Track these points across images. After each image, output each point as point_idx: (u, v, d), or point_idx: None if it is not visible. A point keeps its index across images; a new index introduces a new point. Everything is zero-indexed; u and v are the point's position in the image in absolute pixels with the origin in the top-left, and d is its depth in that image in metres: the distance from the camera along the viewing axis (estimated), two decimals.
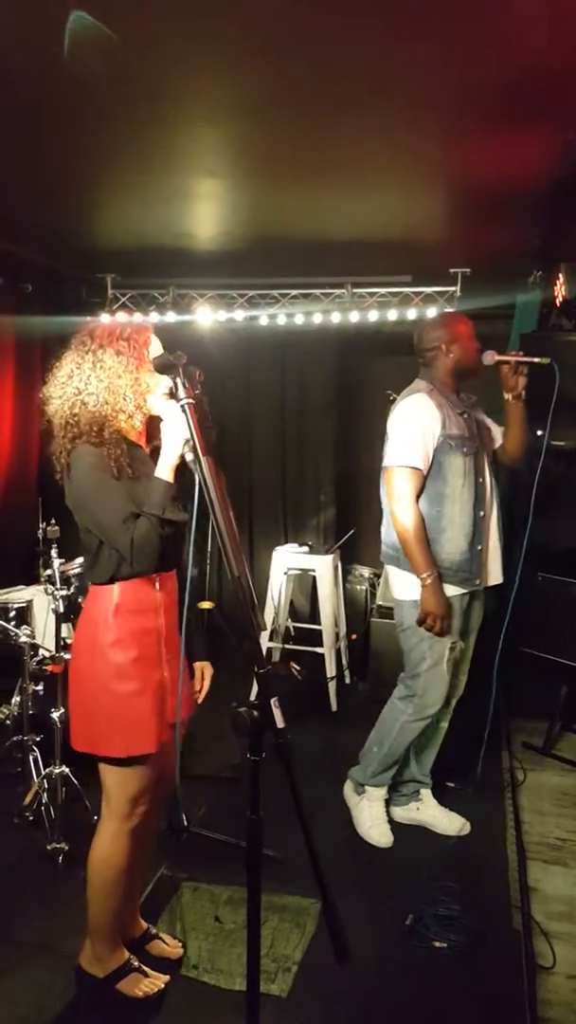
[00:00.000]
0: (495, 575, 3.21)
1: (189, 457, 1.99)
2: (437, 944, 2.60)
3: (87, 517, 2.14)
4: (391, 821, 3.28)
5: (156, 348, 2.19)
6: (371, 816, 3.19)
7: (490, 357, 3.16)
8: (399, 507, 3.01)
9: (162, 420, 2.11)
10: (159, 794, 2.38)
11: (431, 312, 4.92)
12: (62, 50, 2.09)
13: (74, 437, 2.11)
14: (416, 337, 3.24)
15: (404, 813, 3.38)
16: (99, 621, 2.17)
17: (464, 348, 3.14)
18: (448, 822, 3.31)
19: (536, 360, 3.14)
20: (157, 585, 2.21)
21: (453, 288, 4.83)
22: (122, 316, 5.15)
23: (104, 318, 5.21)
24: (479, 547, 3.09)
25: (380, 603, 4.81)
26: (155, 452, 2.21)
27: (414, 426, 3.03)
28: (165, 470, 2.08)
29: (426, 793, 3.38)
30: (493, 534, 3.19)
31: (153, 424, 2.23)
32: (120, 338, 2.14)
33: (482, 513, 3.10)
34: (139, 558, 2.07)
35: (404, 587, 3.13)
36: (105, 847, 2.26)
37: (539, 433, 4.73)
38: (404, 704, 3.15)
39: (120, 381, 2.11)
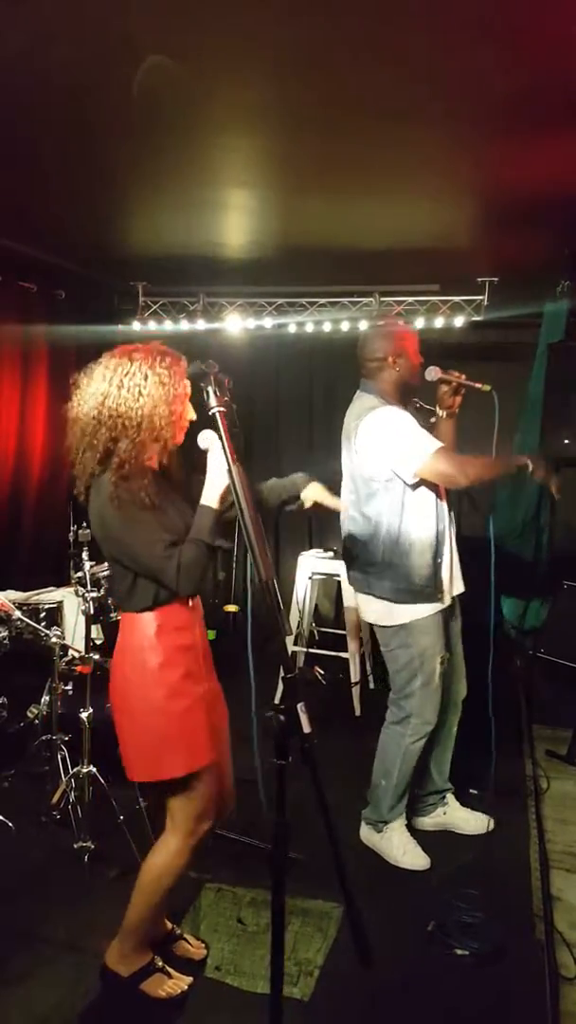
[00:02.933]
0: (458, 585, 3.17)
1: (224, 466, 2.05)
2: (459, 952, 2.60)
3: (118, 551, 2.13)
4: (418, 831, 3.28)
5: (186, 380, 2.19)
6: (400, 844, 3.14)
7: (433, 373, 3.10)
8: (464, 473, 2.88)
9: (203, 449, 2.14)
10: (221, 808, 2.40)
11: (458, 321, 4.94)
12: (114, 71, 2.14)
13: (100, 461, 2.11)
14: (360, 345, 3.14)
15: (431, 820, 3.38)
16: (144, 646, 2.17)
17: (409, 363, 3.08)
18: (475, 822, 3.32)
19: (478, 386, 3.07)
20: (190, 602, 2.25)
21: (480, 297, 4.84)
22: (153, 326, 5.22)
23: (136, 326, 5.29)
24: (439, 560, 3.03)
25: None
26: (169, 476, 2.26)
27: (408, 425, 2.94)
28: (213, 499, 2.12)
29: (450, 797, 3.39)
30: (453, 546, 3.14)
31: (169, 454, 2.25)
32: (162, 367, 2.13)
33: (443, 526, 3.05)
34: (185, 584, 2.08)
35: (378, 613, 3.10)
36: (164, 861, 2.27)
37: (566, 442, 4.74)
38: (402, 727, 3.11)
39: (159, 410, 2.11)
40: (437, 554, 3.03)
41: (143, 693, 2.18)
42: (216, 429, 1.97)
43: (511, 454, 3.20)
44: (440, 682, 3.09)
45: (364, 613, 3.22)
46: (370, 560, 3.06)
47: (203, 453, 2.16)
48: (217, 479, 2.12)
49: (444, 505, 3.08)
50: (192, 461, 2.26)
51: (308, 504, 2.43)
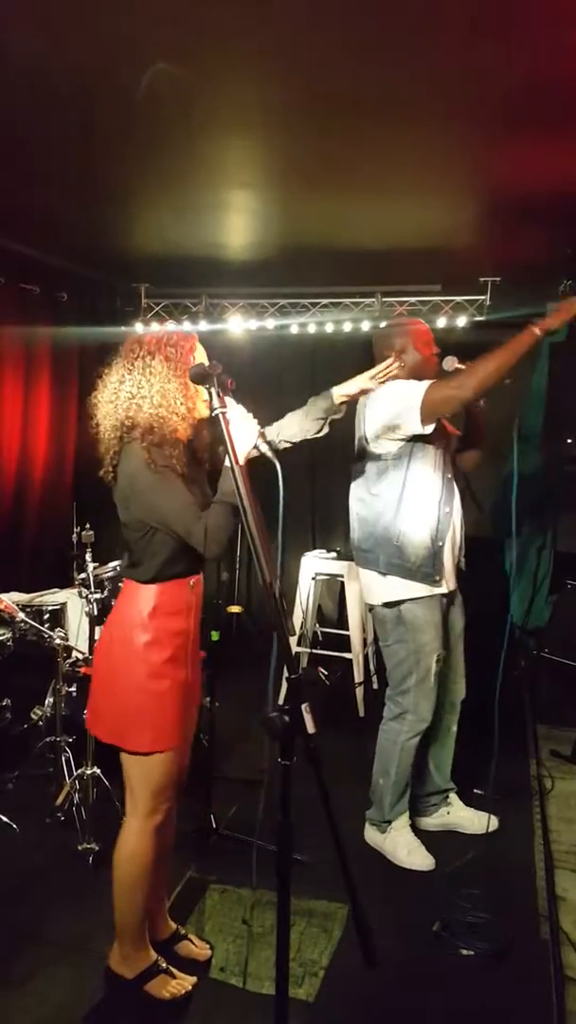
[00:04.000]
0: (452, 581, 3.17)
1: (264, 448, 2.13)
2: (464, 952, 2.60)
3: (149, 512, 2.17)
4: (422, 831, 3.28)
5: (202, 355, 2.25)
6: (405, 844, 3.15)
7: (451, 363, 3.09)
8: (463, 385, 2.83)
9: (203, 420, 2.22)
10: (179, 791, 2.42)
11: (461, 321, 4.94)
12: (117, 73, 2.15)
13: (121, 439, 2.19)
14: (373, 346, 3.22)
15: (434, 820, 3.38)
16: (135, 623, 2.22)
17: (416, 355, 3.12)
18: (478, 821, 3.32)
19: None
20: (191, 585, 2.27)
21: (483, 297, 4.84)
22: (162, 325, 5.23)
23: (138, 327, 5.30)
24: (440, 544, 3.05)
25: None
26: (195, 453, 2.30)
27: (402, 383, 2.97)
28: (238, 459, 2.11)
29: (453, 796, 3.40)
30: (457, 537, 3.16)
31: (194, 428, 2.29)
32: (168, 345, 2.21)
33: (447, 510, 3.08)
34: (212, 545, 2.10)
35: (380, 590, 3.12)
36: (130, 844, 2.30)
37: (569, 441, 4.74)
38: (398, 724, 3.13)
39: (170, 385, 2.17)
40: (438, 537, 3.05)
41: (125, 667, 2.23)
42: (219, 430, 1.99)
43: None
44: (436, 680, 3.09)
45: (365, 593, 3.25)
46: (371, 534, 3.12)
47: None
48: (241, 444, 2.11)
49: (452, 495, 3.12)
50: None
51: (340, 401, 2.52)
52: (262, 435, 2.17)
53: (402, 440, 3.03)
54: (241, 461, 2.10)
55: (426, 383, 2.93)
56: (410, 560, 3.04)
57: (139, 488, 2.16)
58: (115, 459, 2.21)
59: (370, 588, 3.19)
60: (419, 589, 3.06)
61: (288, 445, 2.54)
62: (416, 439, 3.01)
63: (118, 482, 2.22)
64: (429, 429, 2.94)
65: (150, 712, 2.22)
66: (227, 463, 2.13)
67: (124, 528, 2.25)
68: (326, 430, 2.56)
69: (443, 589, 3.10)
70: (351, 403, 2.62)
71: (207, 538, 2.08)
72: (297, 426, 2.54)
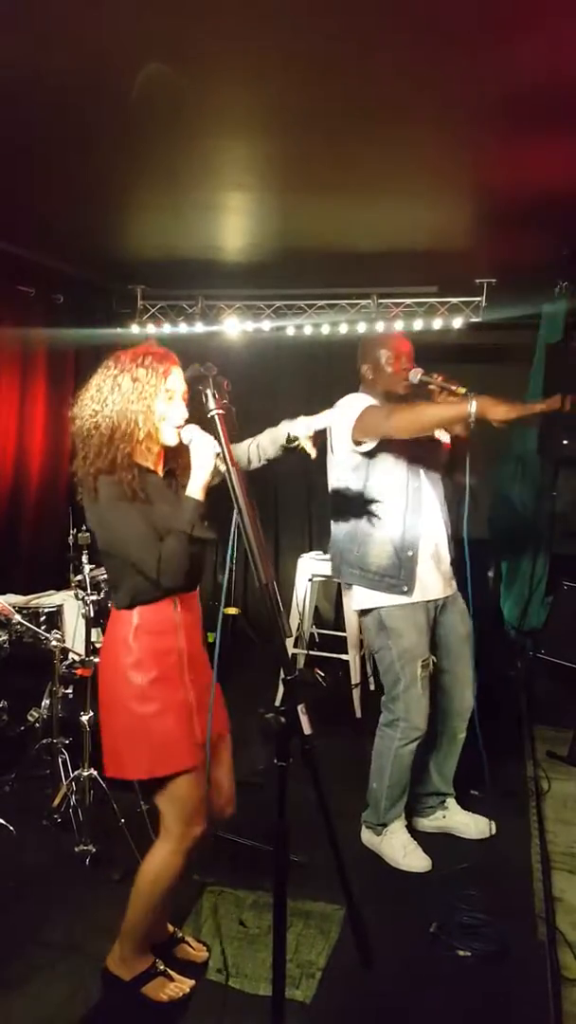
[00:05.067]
0: (436, 589, 3.13)
1: (223, 468, 2.07)
2: (461, 953, 2.60)
3: (109, 544, 2.18)
4: (417, 832, 3.28)
5: (176, 379, 2.20)
6: (401, 845, 3.14)
7: (416, 375, 3.11)
8: (388, 422, 2.87)
9: (184, 445, 2.19)
10: (224, 816, 2.41)
11: (457, 322, 4.95)
12: (112, 75, 2.15)
13: (91, 461, 2.15)
14: (359, 352, 3.25)
15: (430, 822, 3.37)
16: (120, 644, 2.20)
17: (385, 371, 3.13)
18: (475, 826, 3.31)
19: (453, 388, 3.01)
20: (177, 606, 2.24)
21: (479, 298, 4.85)
22: (159, 328, 5.24)
23: (134, 329, 5.31)
24: (409, 553, 3.05)
25: None
26: (167, 475, 2.28)
27: (358, 400, 3.04)
28: (196, 489, 2.13)
29: (451, 801, 3.38)
30: (439, 546, 3.14)
31: (168, 451, 2.28)
32: (140, 366, 2.17)
33: (415, 520, 3.07)
34: (167, 575, 2.10)
35: (353, 598, 3.19)
36: (158, 865, 2.27)
37: (565, 443, 4.75)
38: (392, 729, 3.12)
39: (133, 407, 2.14)
40: (404, 547, 3.04)
41: (113, 690, 2.22)
42: (215, 431, 1.99)
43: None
44: (425, 687, 3.07)
45: (350, 602, 3.30)
46: (338, 547, 3.19)
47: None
48: (200, 471, 2.13)
49: (426, 503, 3.10)
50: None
51: (308, 439, 2.46)
52: (219, 456, 2.11)
53: (358, 452, 3.04)
54: (206, 480, 2.12)
55: (366, 405, 2.98)
56: (371, 570, 3.06)
57: (98, 521, 2.17)
58: (92, 484, 2.17)
59: (350, 597, 3.24)
60: (385, 598, 3.06)
61: (266, 462, 2.52)
62: (376, 449, 3.02)
63: (88, 512, 2.21)
64: (364, 449, 2.98)
65: (141, 736, 2.18)
66: (187, 492, 2.14)
67: (101, 555, 2.25)
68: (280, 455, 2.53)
69: (415, 599, 3.07)
70: (327, 395, 2.63)
71: (159, 568, 2.08)
72: (245, 455, 2.50)
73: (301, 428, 2.46)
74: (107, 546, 2.19)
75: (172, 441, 2.21)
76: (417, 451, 3.10)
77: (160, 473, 2.29)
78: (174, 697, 2.21)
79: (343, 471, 3.12)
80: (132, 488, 2.12)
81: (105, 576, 3.83)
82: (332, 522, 3.24)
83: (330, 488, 3.22)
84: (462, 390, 3.02)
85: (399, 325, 4.96)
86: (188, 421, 2.21)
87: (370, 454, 3.03)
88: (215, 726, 2.27)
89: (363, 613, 3.17)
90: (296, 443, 2.46)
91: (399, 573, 3.05)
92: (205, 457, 2.11)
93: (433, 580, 3.12)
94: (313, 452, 2.45)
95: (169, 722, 2.19)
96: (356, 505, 3.08)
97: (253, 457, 2.50)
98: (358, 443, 3.02)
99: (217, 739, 2.34)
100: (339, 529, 3.18)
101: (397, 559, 3.04)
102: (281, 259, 4.53)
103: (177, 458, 2.29)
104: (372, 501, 3.06)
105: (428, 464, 3.16)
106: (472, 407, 2.69)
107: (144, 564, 2.10)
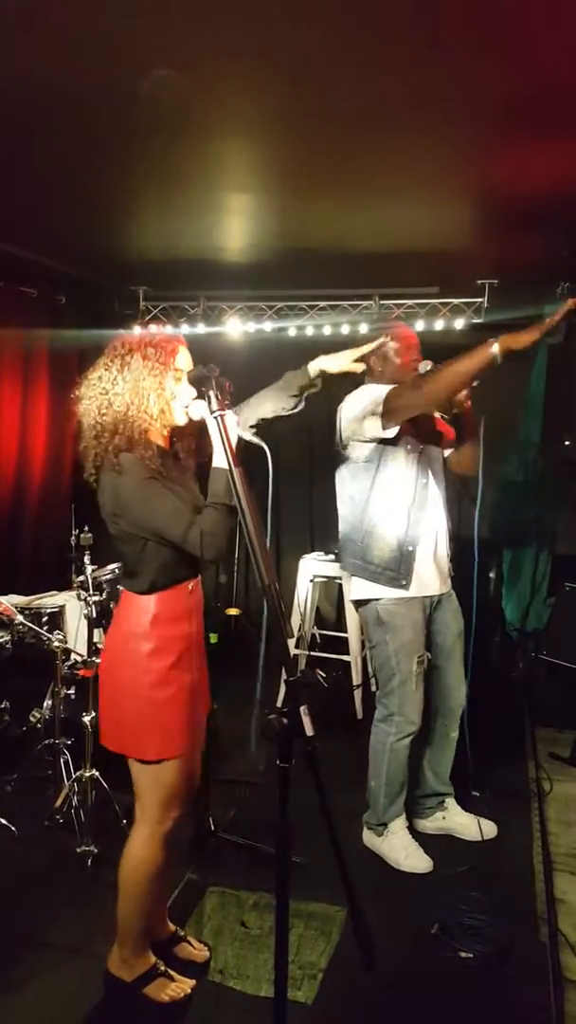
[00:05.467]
0: (433, 586, 3.14)
1: (248, 437, 2.14)
2: (463, 954, 2.60)
3: (142, 523, 2.14)
4: (419, 834, 3.28)
5: (184, 358, 2.21)
6: (402, 846, 3.15)
7: (426, 366, 3.11)
8: (421, 393, 2.84)
9: (185, 428, 2.21)
10: (189, 798, 2.42)
11: (458, 323, 4.95)
12: (116, 77, 2.15)
13: (106, 440, 2.14)
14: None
15: (431, 824, 3.37)
16: (136, 632, 2.20)
17: (393, 364, 3.13)
18: (474, 828, 3.31)
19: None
20: (191, 591, 2.26)
21: (480, 299, 4.85)
22: (154, 328, 5.23)
23: (136, 330, 5.30)
24: (410, 548, 3.06)
25: None
26: (176, 457, 2.29)
27: (370, 388, 3.06)
28: (223, 459, 2.09)
29: (450, 801, 3.39)
30: (439, 543, 3.15)
31: (176, 431, 2.28)
32: (148, 344, 2.18)
33: (420, 515, 3.08)
34: (209, 548, 2.08)
35: (351, 588, 3.21)
36: (137, 851, 2.29)
37: (567, 443, 4.75)
38: (386, 725, 3.13)
39: (145, 384, 2.14)
40: (407, 541, 3.06)
41: (130, 676, 2.22)
42: (218, 432, 1.99)
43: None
44: (419, 683, 3.08)
45: (351, 592, 3.28)
46: (345, 538, 3.21)
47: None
48: (223, 441, 2.09)
49: (431, 499, 3.12)
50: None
51: (316, 375, 2.43)
52: (244, 424, 2.18)
53: (371, 444, 3.05)
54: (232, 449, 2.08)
55: (384, 389, 2.96)
56: (373, 562, 3.07)
57: (125, 502, 2.13)
58: (96, 463, 2.17)
59: (349, 586, 3.27)
60: (383, 591, 3.08)
61: (261, 422, 2.44)
62: (386, 443, 3.03)
63: (102, 496, 2.18)
64: (391, 433, 2.95)
65: (157, 719, 2.21)
66: (215, 464, 2.13)
67: (116, 541, 2.23)
68: (302, 405, 2.48)
69: (412, 593, 3.08)
70: (327, 394, 2.57)
71: (203, 542, 2.07)
72: (271, 403, 2.44)
73: (330, 363, 2.43)
74: (132, 526, 2.15)
75: (182, 420, 2.21)
76: (426, 446, 3.13)
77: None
78: (184, 680, 2.25)
79: (354, 463, 3.12)
80: (156, 465, 2.12)
81: (108, 577, 3.84)
82: (339, 512, 3.25)
83: (338, 479, 3.21)
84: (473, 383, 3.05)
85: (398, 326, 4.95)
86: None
87: (384, 446, 3.02)
88: (201, 711, 2.36)
89: (360, 604, 3.19)
90: (315, 385, 2.44)
91: (399, 567, 3.06)
92: (230, 424, 2.06)
93: (431, 576, 3.13)
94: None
95: (180, 705, 2.24)
96: (364, 497, 3.09)
97: (266, 411, 2.43)
98: (382, 429, 2.97)
99: (200, 723, 2.40)
100: (346, 520, 3.20)
101: (399, 553, 3.06)
102: (283, 260, 4.53)
103: (180, 440, 2.30)
104: (380, 494, 3.07)
105: (434, 461, 3.18)
106: (495, 348, 2.69)
107: (185, 538, 2.08)
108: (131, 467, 2.10)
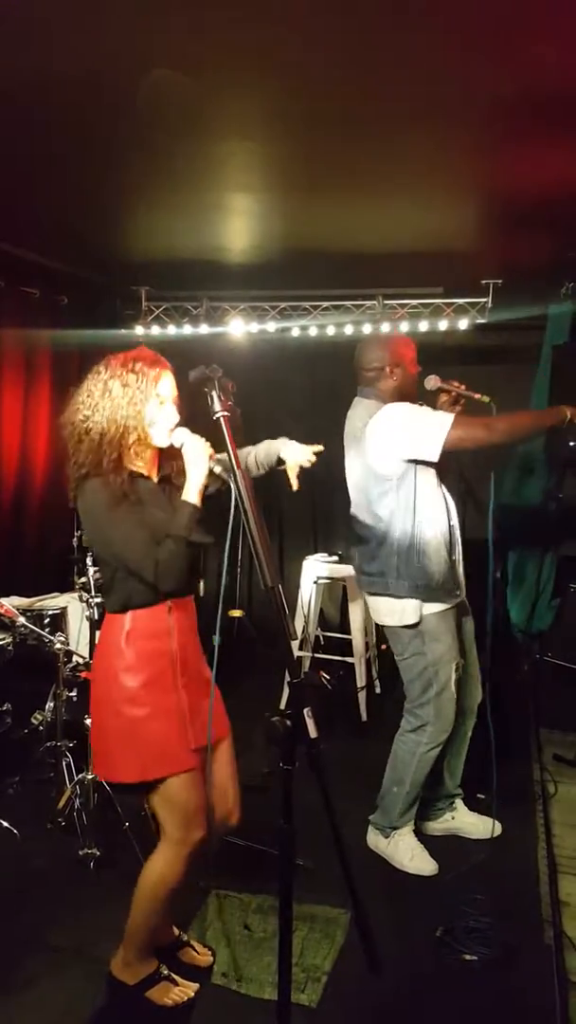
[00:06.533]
0: (462, 591, 3.16)
1: (218, 469, 2.12)
2: (467, 957, 2.59)
3: (104, 548, 2.18)
4: (425, 836, 3.27)
5: (167, 385, 2.20)
6: (408, 848, 3.14)
7: (433, 382, 3.12)
8: (492, 428, 2.87)
9: (175, 448, 2.20)
10: (229, 827, 2.40)
11: (462, 323, 4.94)
12: (118, 78, 2.14)
13: (79, 465, 2.15)
14: (358, 354, 3.17)
15: (439, 825, 3.37)
16: (113, 648, 2.20)
17: (406, 372, 3.11)
18: (483, 827, 3.31)
19: (476, 396, 3.08)
20: (171, 611, 2.22)
21: (484, 299, 4.83)
22: (163, 330, 5.24)
23: (139, 330, 5.30)
24: (455, 557, 3.08)
25: None
26: (163, 481, 2.28)
27: (421, 410, 2.98)
28: (192, 493, 2.13)
29: (459, 802, 3.39)
30: (460, 549, 3.15)
31: (163, 456, 2.28)
32: (130, 371, 2.17)
33: (452, 523, 3.09)
34: (165, 579, 2.10)
35: (396, 614, 3.06)
36: (158, 868, 2.27)
37: (571, 444, 4.73)
38: (418, 735, 3.10)
39: (122, 412, 2.13)
40: (451, 551, 3.06)
41: (105, 693, 2.22)
42: (220, 433, 1.98)
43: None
44: (455, 689, 3.08)
45: (381, 616, 3.16)
46: (387, 560, 3.05)
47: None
48: (195, 474, 2.14)
49: (452, 504, 3.12)
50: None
51: (294, 469, 2.43)
52: (214, 458, 2.17)
53: (409, 461, 2.99)
54: (202, 483, 2.13)
55: (449, 416, 2.90)
56: (435, 579, 3.00)
57: (93, 525, 2.16)
58: (73, 489, 2.18)
59: (386, 612, 3.11)
60: (438, 605, 3.04)
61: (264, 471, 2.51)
62: (422, 461, 2.98)
63: (81, 517, 2.21)
64: (437, 458, 2.92)
65: (131, 739, 2.18)
66: (183, 496, 2.14)
67: (96, 560, 2.26)
68: (263, 473, 2.52)
69: (458, 600, 3.10)
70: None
71: (157, 573, 2.08)
72: (264, 460, 2.50)
73: (292, 454, 2.45)
74: (100, 550, 2.20)
75: (163, 443, 2.21)
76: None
77: (154, 478, 2.28)
78: (166, 701, 2.21)
79: (386, 480, 3.01)
80: (122, 491, 2.12)
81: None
82: (381, 535, 3.07)
83: (374, 502, 3.06)
84: (486, 399, 3.06)
85: (404, 326, 4.94)
86: (189, 424, 2.21)
87: (418, 464, 2.98)
88: (214, 731, 2.26)
89: (410, 625, 3.07)
90: (283, 467, 2.46)
91: (451, 578, 3.05)
92: (199, 459, 2.12)
93: (462, 583, 3.15)
94: (295, 485, 2.43)
95: (160, 725, 2.19)
96: (408, 514, 3.00)
97: (252, 466, 2.50)
98: (411, 456, 2.94)
99: (217, 743, 2.33)
100: (393, 540, 3.02)
101: (449, 565, 3.04)
102: (286, 260, 4.53)
103: (172, 463, 2.29)
104: (424, 509, 3.00)
105: (443, 469, 3.15)
106: (569, 413, 2.88)
107: (141, 568, 2.10)
108: (96, 492, 2.11)
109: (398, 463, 2.98)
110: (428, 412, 2.96)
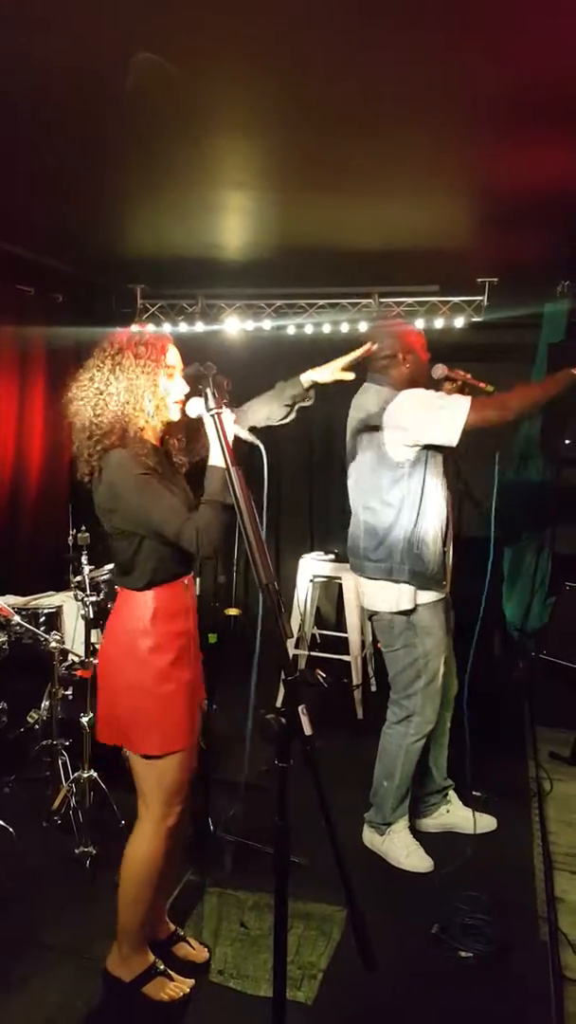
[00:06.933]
0: (448, 584, 3.19)
1: (244, 435, 2.13)
2: (463, 954, 2.59)
3: (136, 518, 2.14)
4: (420, 833, 3.28)
5: (173, 355, 2.22)
6: (403, 845, 3.15)
7: (439, 371, 3.13)
8: (507, 407, 2.91)
9: (177, 424, 2.22)
10: (189, 793, 2.42)
11: (458, 322, 4.94)
12: (111, 74, 2.14)
13: (99, 439, 2.14)
14: (370, 338, 3.11)
15: (433, 821, 3.38)
16: (137, 628, 2.21)
17: (419, 360, 3.13)
18: (477, 821, 3.31)
19: (481, 386, 3.11)
20: (187, 588, 2.27)
21: (480, 297, 4.83)
22: (150, 327, 5.22)
23: (134, 328, 5.29)
24: (446, 549, 3.10)
25: None
26: (168, 454, 2.29)
27: (438, 394, 3.01)
28: (219, 457, 2.10)
29: (452, 795, 3.41)
30: (451, 538, 3.18)
31: (167, 429, 2.29)
32: (139, 343, 2.18)
33: (446, 515, 3.11)
34: (205, 545, 2.07)
35: (392, 598, 3.07)
36: (142, 847, 2.29)
37: (567, 442, 4.73)
38: (403, 727, 3.13)
39: (139, 382, 2.15)
40: (445, 542, 3.09)
41: (131, 674, 2.23)
42: (215, 431, 1.98)
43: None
44: (441, 681, 3.11)
45: (376, 602, 3.16)
46: (384, 544, 3.07)
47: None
48: (218, 440, 2.09)
49: (447, 496, 3.14)
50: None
51: (308, 386, 2.44)
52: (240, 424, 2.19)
53: (422, 448, 3.00)
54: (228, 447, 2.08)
55: (467, 399, 2.91)
56: (429, 568, 3.04)
57: (122, 497, 2.13)
58: (92, 462, 2.16)
59: (382, 597, 3.13)
60: (430, 595, 3.07)
61: (251, 430, 2.38)
62: (438, 448, 3.00)
63: (100, 491, 2.18)
64: (456, 442, 2.92)
65: (159, 715, 2.22)
66: (212, 462, 2.13)
67: (111, 538, 2.24)
68: (293, 416, 2.48)
69: (446, 592, 3.13)
70: (325, 394, 2.55)
71: (199, 538, 2.06)
72: (263, 411, 2.44)
73: (324, 373, 2.45)
74: (127, 522, 2.16)
75: (177, 416, 2.22)
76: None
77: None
78: (184, 676, 2.26)
79: (398, 467, 3.03)
80: (150, 462, 2.13)
81: (105, 577, 3.83)
82: (367, 520, 3.13)
83: (373, 484, 3.09)
84: (490, 388, 3.09)
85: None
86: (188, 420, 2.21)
87: (429, 450, 2.99)
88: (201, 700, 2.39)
89: (399, 613, 3.10)
90: (310, 395, 2.46)
91: (441, 569, 3.08)
92: (228, 421, 2.07)
93: (450, 575, 3.18)
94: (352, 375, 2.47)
95: (182, 701, 2.25)
96: (414, 501, 3.03)
97: (269, 416, 2.44)
98: (426, 441, 2.95)
99: (197, 718, 2.40)
100: (386, 527, 3.06)
101: (441, 556, 3.07)
102: (282, 258, 4.52)
103: (172, 437, 2.30)
104: (428, 498, 3.03)
105: (446, 461, 3.17)
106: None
107: (181, 534, 2.08)
108: (126, 463, 2.10)
109: (413, 450, 3.00)
110: (446, 396, 2.99)
